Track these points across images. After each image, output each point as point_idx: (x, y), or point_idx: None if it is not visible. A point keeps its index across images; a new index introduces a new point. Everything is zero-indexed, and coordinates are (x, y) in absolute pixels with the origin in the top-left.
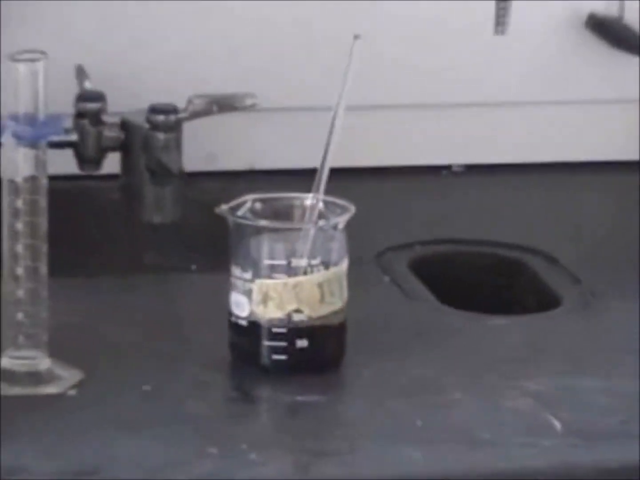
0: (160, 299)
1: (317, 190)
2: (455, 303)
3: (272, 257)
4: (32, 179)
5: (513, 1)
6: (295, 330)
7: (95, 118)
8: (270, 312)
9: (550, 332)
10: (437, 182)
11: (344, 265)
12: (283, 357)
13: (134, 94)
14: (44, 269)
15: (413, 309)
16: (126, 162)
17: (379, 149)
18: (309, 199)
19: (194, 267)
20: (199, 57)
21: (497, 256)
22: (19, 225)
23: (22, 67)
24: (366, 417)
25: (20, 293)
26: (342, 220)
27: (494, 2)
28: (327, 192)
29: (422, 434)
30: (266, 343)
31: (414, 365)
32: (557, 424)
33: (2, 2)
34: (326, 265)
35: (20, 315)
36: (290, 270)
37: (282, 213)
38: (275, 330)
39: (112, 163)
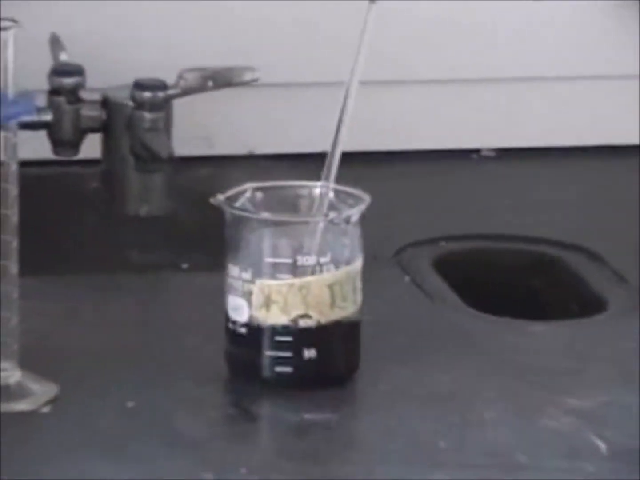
0: (147, 303)
1: (327, 178)
2: (485, 306)
3: (275, 255)
4: (1, 165)
5: None
6: (301, 339)
7: (72, 95)
8: (273, 318)
9: (594, 340)
10: (464, 169)
11: (358, 263)
12: (288, 369)
13: (117, 68)
14: (14, 268)
15: (437, 314)
16: (108, 146)
17: (398, 130)
18: (317, 188)
19: (185, 265)
20: (191, 25)
21: (533, 253)
22: None
23: None
24: (383, 437)
25: None
26: (355, 212)
27: None
28: (339, 180)
29: (447, 458)
30: (268, 353)
31: (439, 378)
32: (603, 446)
33: None
34: (337, 263)
35: None
36: (296, 270)
37: (287, 204)
38: (278, 338)
39: (91, 147)
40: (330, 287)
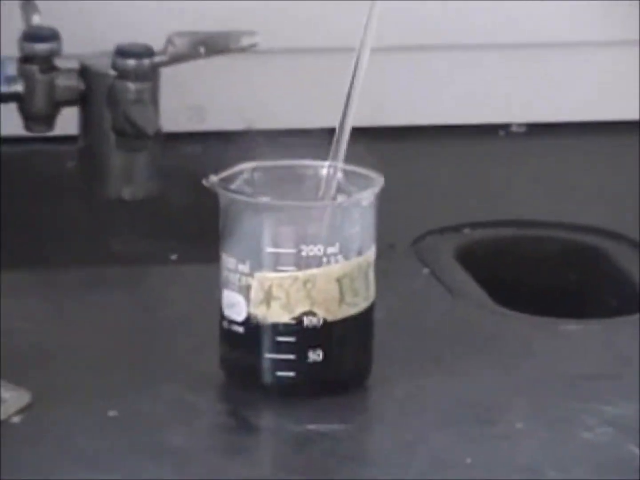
0: (132, 299)
1: (336, 157)
2: (513, 303)
3: (276, 244)
4: None
5: None
6: (306, 339)
7: (46, 63)
8: (274, 315)
9: (635, 341)
10: (491, 146)
11: (371, 254)
12: (291, 373)
13: (97, 32)
14: None
15: (460, 311)
16: (86, 120)
17: (416, 102)
18: (324, 168)
19: (174, 256)
20: None
21: (568, 242)
22: None
23: None
24: (399, 452)
25: None
26: (367, 196)
27: None
28: (348, 159)
29: (472, 474)
30: (269, 356)
31: (461, 384)
32: None
33: None
34: (347, 254)
35: None
36: (300, 261)
37: (290, 186)
38: (280, 338)
39: (68, 121)
40: (339, 280)
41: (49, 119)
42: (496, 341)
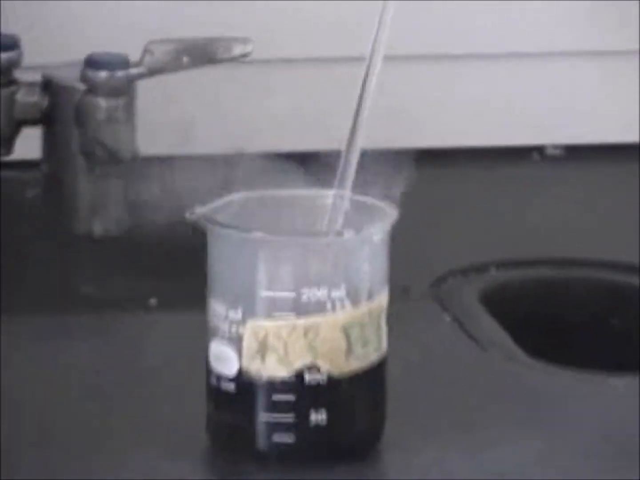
0: (105, 352)
1: (342, 185)
2: (548, 354)
3: (272, 287)
4: None
5: None
6: (308, 398)
7: (5, 75)
8: (270, 370)
9: None
10: (523, 172)
11: (383, 298)
12: (289, 438)
13: (63, 39)
14: None
15: (488, 364)
16: (51, 143)
17: (436, 122)
18: (329, 198)
19: (153, 301)
20: None
21: (611, 284)
22: None
23: None
24: None
25: None
26: (379, 230)
27: None
28: (356, 187)
29: None
30: (264, 417)
31: (488, 451)
32: None
33: None
34: (355, 298)
35: None
36: (300, 306)
37: (288, 219)
38: (277, 397)
39: (29, 144)
40: (346, 329)
41: (8, 141)
42: (527, 398)
